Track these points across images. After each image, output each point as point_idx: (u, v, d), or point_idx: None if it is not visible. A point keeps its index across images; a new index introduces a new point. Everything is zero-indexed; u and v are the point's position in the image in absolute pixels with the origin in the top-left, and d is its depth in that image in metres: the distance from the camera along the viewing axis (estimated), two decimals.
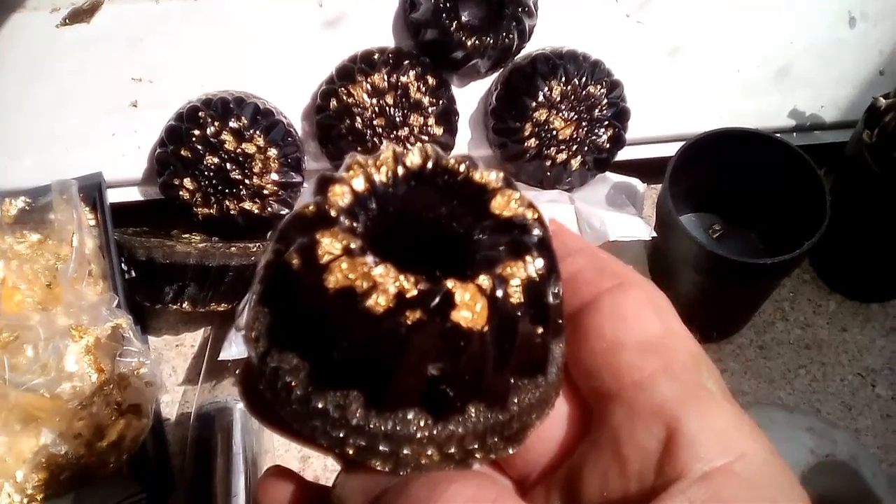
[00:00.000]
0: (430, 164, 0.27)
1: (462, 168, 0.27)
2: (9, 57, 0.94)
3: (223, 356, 0.91)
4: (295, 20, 0.97)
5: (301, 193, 0.97)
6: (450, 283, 0.23)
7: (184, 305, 0.92)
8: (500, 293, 0.23)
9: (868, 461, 0.84)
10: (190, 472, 0.89)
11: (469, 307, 0.23)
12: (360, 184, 0.26)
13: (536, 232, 0.25)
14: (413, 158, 0.27)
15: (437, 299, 0.23)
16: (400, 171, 0.27)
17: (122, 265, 0.92)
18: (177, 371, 1.00)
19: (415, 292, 0.23)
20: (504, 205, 0.26)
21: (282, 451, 0.95)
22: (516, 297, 0.24)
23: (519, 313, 0.24)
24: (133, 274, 0.92)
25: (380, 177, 0.26)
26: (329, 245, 0.23)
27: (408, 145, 0.96)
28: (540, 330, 0.25)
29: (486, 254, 0.25)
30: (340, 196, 0.25)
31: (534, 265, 0.24)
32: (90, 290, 0.88)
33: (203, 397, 0.94)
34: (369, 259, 0.23)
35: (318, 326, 0.24)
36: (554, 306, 0.26)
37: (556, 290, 0.26)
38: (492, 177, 0.27)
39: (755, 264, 0.85)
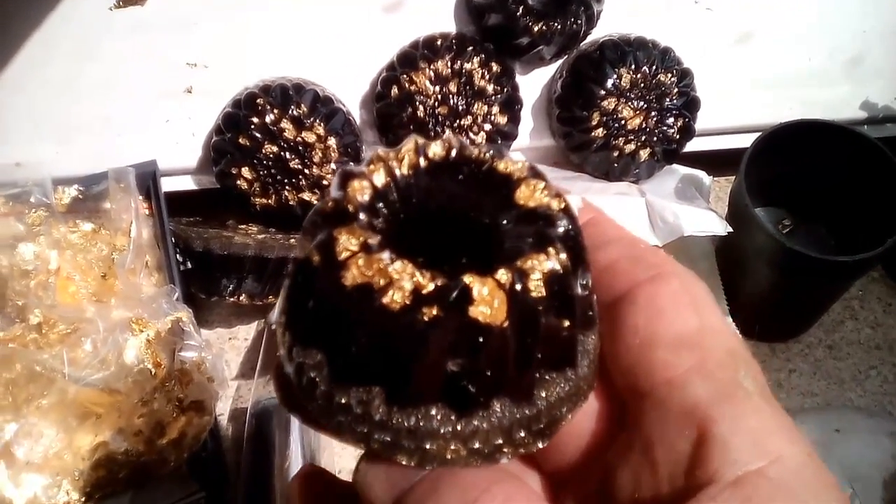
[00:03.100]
0: (452, 155, 0.27)
1: (486, 157, 0.27)
2: (61, 40, 0.92)
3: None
4: (353, 3, 0.94)
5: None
6: (467, 279, 0.22)
7: (241, 298, 0.90)
8: (519, 287, 0.23)
9: None
10: (248, 468, 0.87)
11: (487, 302, 0.22)
12: (380, 179, 0.25)
13: (561, 223, 0.25)
14: (435, 149, 0.27)
15: (454, 294, 0.22)
16: (422, 162, 0.26)
17: (178, 256, 0.89)
18: (230, 365, 0.97)
19: (431, 288, 0.22)
20: (529, 195, 0.25)
21: (339, 447, 0.92)
22: (537, 290, 0.23)
23: (541, 307, 0.24)
24: (189, 265, 0.90)
25: (401, 169, 0.26)
26: (346, 241, 0.23)
27: (470, 134, 0.94)
28: (566, 323, 0.25)
29: (512, 245, 0.24)
30: (360, 192, 0.25)
31: (557, 259, 0.24)
32: (146, 282, 0.86)
33: (259, 392, 0.92)
34: (385, 255, 0.23)
35: (337, 323, 0.24)
36: (581, 298, 0.25)
37: (583, 282, 0.25)
38: (516, 166, 0.26)
39: (835, 261, 0.82)
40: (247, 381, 0.96)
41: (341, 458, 0.91)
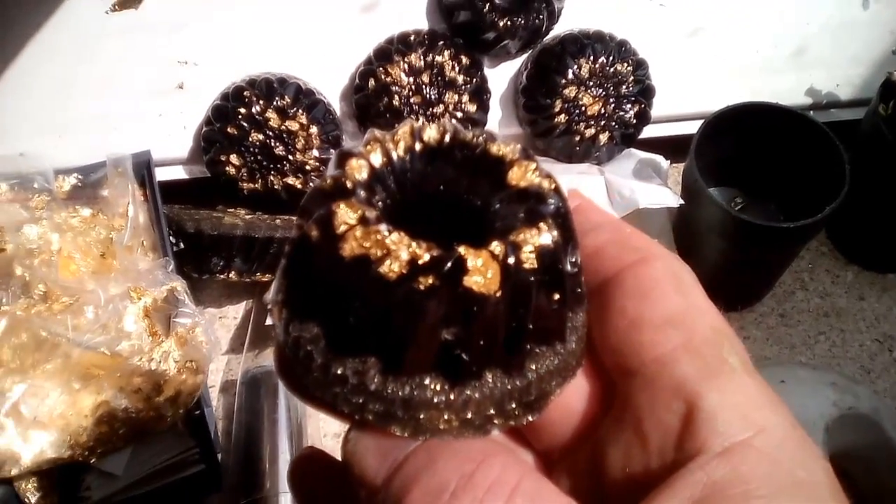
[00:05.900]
0: (447, 139, 0.27)
1: (479, 141, 0.27)
2: (61, 42, 0.99)
3: (270, 321, 0.95)
4: (333, 4, 1.02)
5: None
6: (462, 249, 0.23)
7: (230, 275, 0.96)
8: (511, 259, 0.24)
9: (889, 414, 0.88)
10: (238, 435, 0.93)
11: (481, 272, 0.23)
12: (377, 158, 0.26)
13: (552, 201, 0.26)
14: (430, 133, 0.27)
15: (449, 265, 0.23)
16: (417, 146, 0.27)
17: (171, 238, 0.96)
18: (221, 342, 1.03)
19: (427, 258, 0.23)
20: (521, 176, 0.26)
21: (323, 415, 0.98)
22: (529, 263, 0.24)
23: (532, 279, 0.24)
24: (181, 246, 0.96)
25: (397, 152, 0.27)
26: (345, 215, 0.24)
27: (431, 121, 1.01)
28: (556, 296, 0.26)
29: (503, 223, 0.25)
30: (357, 170, 0.26)
31: (549, 233, 0.25)
32: (142, 261, 0.92)
33: (248, 364, 0.98)
34: (383, 227, 0.23)
35: (334, 295, 0.25)
36: (571, 274, 0.26)
37: (573, 259, 0.26)
38: (508, 149, 0.27)
39: (779, 228, 0.90)
40: (236, 355, 1.02)
41: (326, 423, 0.98)
